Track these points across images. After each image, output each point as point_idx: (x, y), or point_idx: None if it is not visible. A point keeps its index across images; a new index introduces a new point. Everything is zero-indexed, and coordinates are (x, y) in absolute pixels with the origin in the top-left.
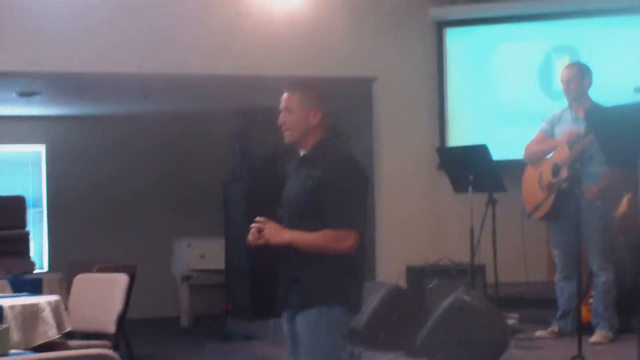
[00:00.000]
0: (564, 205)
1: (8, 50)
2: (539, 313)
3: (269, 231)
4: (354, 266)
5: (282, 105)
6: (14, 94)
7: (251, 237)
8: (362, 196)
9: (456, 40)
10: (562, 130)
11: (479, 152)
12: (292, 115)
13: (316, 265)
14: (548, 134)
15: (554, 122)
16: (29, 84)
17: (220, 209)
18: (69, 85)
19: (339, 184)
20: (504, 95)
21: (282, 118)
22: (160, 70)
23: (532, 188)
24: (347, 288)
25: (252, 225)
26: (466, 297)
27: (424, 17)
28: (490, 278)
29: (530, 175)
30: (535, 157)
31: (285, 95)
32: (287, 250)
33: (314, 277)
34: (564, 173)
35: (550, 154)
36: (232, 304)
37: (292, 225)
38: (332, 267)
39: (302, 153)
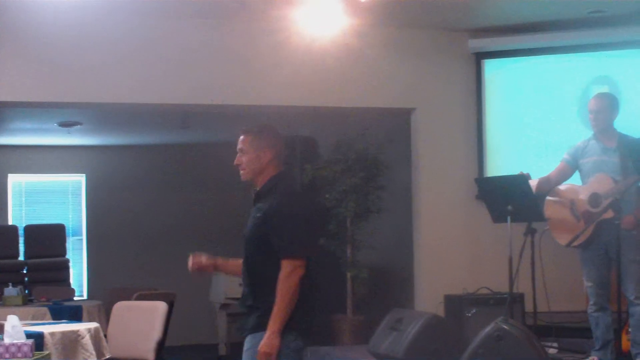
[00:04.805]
0: (599, 235)
1: (49, 81)
2: (578, 342)
3: (266, 352)
4: (304, 294)
5: (238, 146)
6: (55, 124)
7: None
8: (308, 227)
9: (495, 71)
10: (590, 162)
11: (517, 182)
12: (245, 156)
13: (270, 294)
14: (570, 165)
15: (577, 154)
16: (69, 115)
17: None
18: (110, 116)
19: (284, 214)
20: (542, 126)
21: (238, 159)
22: (199, 101)
23: (562, 217)
24: (296, 315)
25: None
26: (505, 326)
27: (462, 49)
28: (528, 307)
29: (554, 205)
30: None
31: (240, 137)
32: (244, 280)
33: (265, 304)
34: (605, 203)
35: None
36: None
37: (247, 260)
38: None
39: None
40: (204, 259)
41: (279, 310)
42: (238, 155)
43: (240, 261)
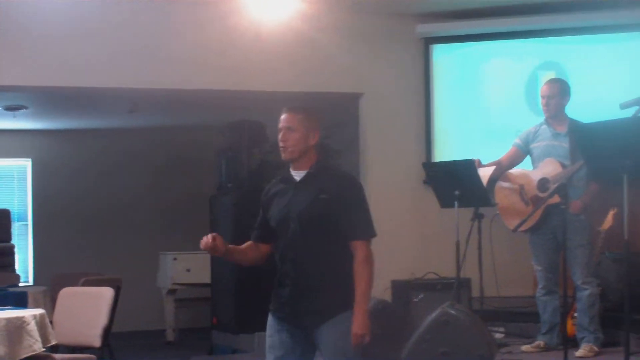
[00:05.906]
0: (548, 220)
1: None
2: (524, 327)
3: (361, 333)
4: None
5: (283, 124)
6: (0, 108)
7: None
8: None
9: (443, 56)
10: (540, 146)
11: (465, 167)
12: (294, 134)
13: (332, 273)
14: (521, 150)
15: (528, 139)
16: (15, 98)
17: (207, 223)
18: (56, 100)
19: (360, 198)
20: (490, 111)
21: (284, 136)
22: (147, 85)
23: (511, 201)
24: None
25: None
26: (452, 311)
27: (410, 34)
28: (475, 292)
29: (505, 190)
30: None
31: (287, 115)
32: (300, 261)
33: (333, 285)
34: (552, 188)
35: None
36: (217, 317)
37: (305, 239)
38: (346, 273)
39: (296, 171)
40: (219, 241)
41: (365, 292)
42: (284, 132)
43: (242, 247)
